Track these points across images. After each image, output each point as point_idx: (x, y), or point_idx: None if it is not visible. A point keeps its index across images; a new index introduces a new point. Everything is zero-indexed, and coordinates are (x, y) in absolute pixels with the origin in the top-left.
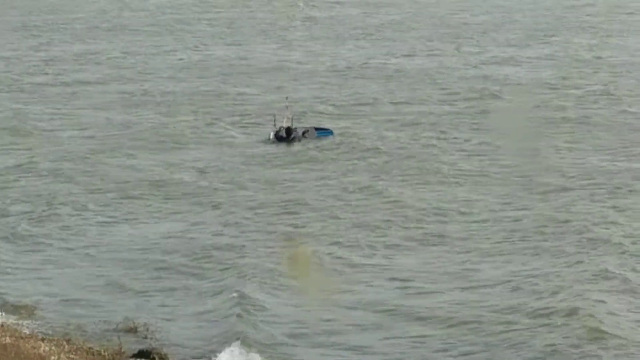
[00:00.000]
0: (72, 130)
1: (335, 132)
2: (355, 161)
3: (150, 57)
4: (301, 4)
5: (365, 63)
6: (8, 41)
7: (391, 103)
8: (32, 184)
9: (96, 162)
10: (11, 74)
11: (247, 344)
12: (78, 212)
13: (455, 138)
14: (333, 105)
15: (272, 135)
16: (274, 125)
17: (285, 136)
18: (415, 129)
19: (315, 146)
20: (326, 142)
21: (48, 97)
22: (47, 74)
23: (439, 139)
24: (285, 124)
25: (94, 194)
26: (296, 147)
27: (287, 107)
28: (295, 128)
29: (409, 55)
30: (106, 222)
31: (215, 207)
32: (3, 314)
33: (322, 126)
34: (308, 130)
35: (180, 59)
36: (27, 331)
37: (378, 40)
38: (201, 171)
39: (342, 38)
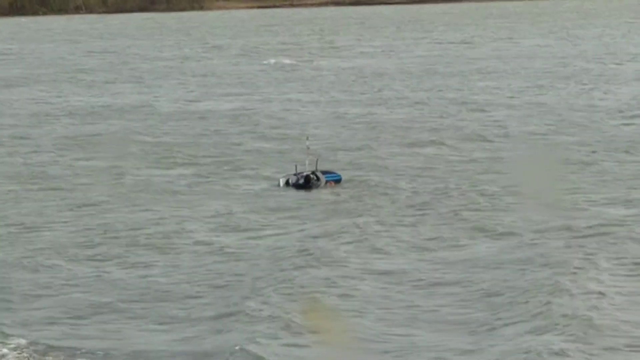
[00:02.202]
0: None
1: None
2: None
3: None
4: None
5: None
6: None
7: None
8: None
9: (101, 212)
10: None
11: None
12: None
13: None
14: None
15: (282, 182)
16: (295, 171)
17: (304, 183)
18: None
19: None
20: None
21: None
22: None
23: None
24: (308, 169)
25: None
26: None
27: (308, 147)
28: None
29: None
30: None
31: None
32: None
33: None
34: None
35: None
36: None
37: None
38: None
39: None
